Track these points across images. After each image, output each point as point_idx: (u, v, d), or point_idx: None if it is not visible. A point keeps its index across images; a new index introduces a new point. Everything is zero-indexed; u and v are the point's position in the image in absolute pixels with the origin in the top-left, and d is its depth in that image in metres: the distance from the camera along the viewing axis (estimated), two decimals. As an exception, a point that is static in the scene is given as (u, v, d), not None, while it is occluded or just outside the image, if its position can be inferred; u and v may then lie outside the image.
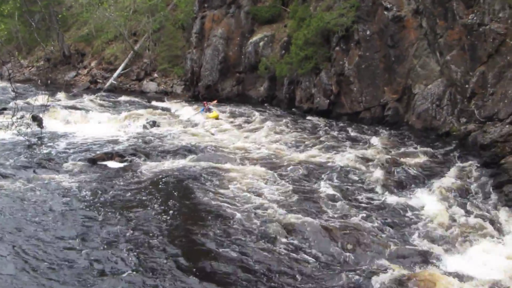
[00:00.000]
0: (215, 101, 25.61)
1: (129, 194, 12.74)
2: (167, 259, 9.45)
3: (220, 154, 16.27)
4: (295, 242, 10.32)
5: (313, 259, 9.71)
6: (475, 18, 17.26)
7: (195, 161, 15.54)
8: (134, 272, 8.97)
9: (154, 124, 21.13)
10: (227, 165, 15.04)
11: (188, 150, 16.69)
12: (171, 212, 11.68)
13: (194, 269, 9.14)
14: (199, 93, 29.18)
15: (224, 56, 28.31)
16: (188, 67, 30.19)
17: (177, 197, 12.63)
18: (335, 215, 11.69)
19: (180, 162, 15.48)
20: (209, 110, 23.49)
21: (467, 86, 17.55)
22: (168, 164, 15.37)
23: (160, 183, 13.60)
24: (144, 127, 20.77)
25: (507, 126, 15.34)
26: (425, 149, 16.99)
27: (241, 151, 16.98)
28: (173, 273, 8.98)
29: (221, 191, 12.95)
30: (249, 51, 27.66)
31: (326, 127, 20.70)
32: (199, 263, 9.39)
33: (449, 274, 9.09)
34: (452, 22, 18.06)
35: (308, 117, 22.68)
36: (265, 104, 26.50)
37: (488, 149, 15.19)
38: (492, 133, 15.67)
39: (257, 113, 23.56)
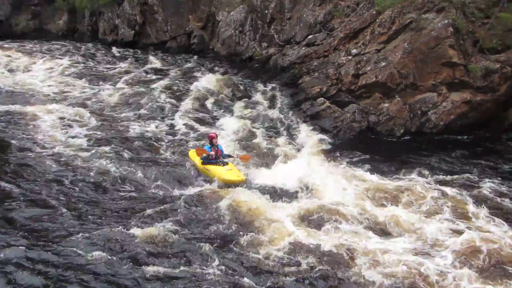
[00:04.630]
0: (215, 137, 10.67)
1: None
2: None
3: (16, 96, 14.62)
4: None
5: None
6: None
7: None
8: None
9: None
10: (28, 108, 13.45)
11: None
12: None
13: None
14: (-12, 29, 25.76)
15: (16, -13, 25.19)
16: (-31, -1, 26.35)
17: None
18: (145, 148, 11.43)
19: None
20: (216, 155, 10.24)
21: (266, 11, 18.20)
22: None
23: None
24: None
25: (303, 48, 16.38)
26: (230, 74, 17.43)
27: (41, 90, 15.40)
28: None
29: (23, 134, 11.67)
30: (43, -20, 25.04)
31: (132, 59, 19.90)
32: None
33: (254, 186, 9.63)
34: None
35: (113, 49, 21.57)
36: (67, 39, 24.39)
37: (288, 70, 16.17)
38: (290, 55, 16.63)
39: (56, 48, 21.59)
